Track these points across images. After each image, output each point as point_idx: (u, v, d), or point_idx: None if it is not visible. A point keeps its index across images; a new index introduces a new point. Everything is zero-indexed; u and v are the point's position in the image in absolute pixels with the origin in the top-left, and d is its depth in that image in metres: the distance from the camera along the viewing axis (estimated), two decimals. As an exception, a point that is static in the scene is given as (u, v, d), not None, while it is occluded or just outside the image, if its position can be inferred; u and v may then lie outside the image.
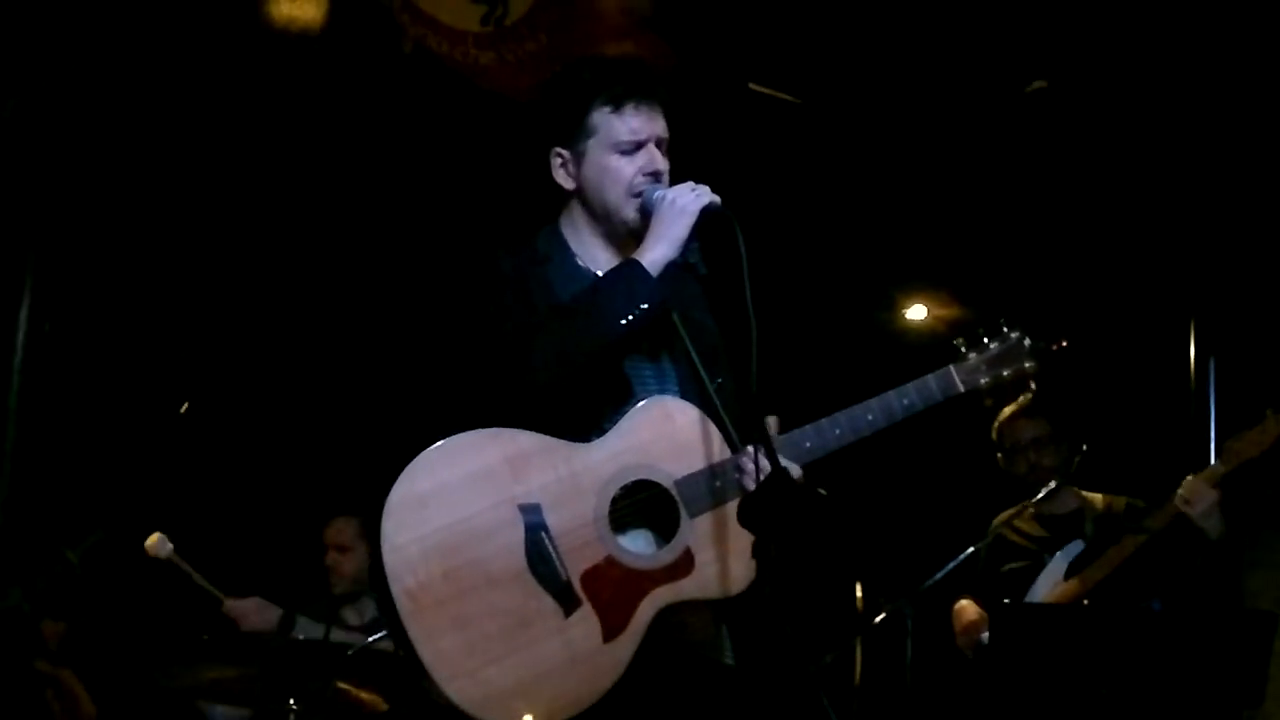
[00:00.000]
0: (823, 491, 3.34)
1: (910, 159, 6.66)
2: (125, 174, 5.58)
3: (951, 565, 5.03)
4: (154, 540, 4.94)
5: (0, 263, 5.14)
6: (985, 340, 3.38)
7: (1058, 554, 5.13)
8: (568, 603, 3.02)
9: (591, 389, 3.14)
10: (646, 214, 3.21)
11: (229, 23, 5.52)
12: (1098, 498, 5.33)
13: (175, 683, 4.89)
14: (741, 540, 3.09)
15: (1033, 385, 3.41)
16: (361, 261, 6.01)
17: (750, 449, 3.09)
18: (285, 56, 5.63)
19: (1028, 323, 3.43)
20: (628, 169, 3.23)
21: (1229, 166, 6.11)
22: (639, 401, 3.17)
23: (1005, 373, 3.36)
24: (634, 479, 3.12)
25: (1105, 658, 4.24)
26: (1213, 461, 5.03)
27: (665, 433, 3.15)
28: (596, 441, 3.13)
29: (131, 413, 5.73)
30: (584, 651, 3.01)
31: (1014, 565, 5.23)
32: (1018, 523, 5.31)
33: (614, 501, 3.10)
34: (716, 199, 3.17)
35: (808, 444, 3.20)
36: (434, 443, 3.08)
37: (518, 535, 3.04)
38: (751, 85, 6.40)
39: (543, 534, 3.05)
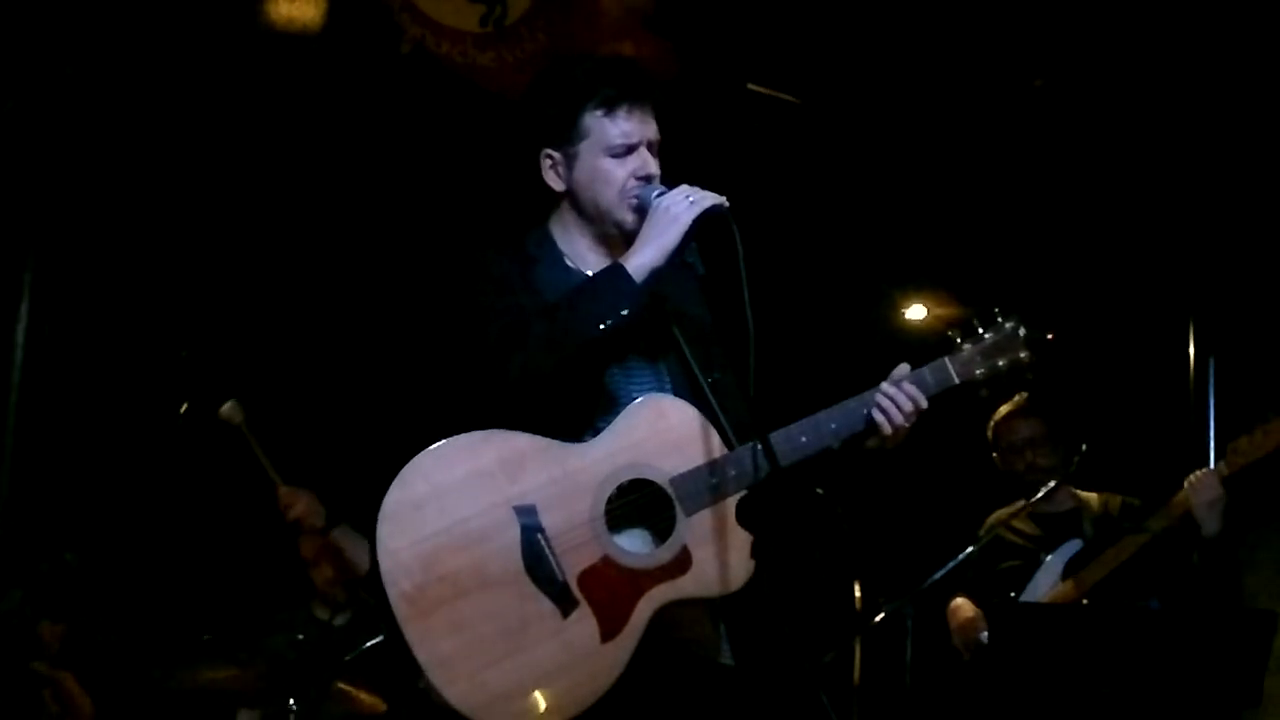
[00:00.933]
0: (821, 491, 3.32)
1: (909, 158, 6.66)
2: (125, 173, 5.58)
3: (951, 565, 5.03)
4: (229, 406, 4.91)
5: (0, 263, 5.15)
6: (980, 330, 3.37)
7: (1054, 553, 5.13)
8: (565, 603, 3.01)
9: (585, 389, 3.13)
10: (643, 215, 3.19)
11: (228, 23, 5.52)
12: (1093, 497, 5.33)
13: (175, 683, 4.89)
14: (739, 537, 3.10)
15: (1029, 376, 3.40)
16: (361, 262, 6.01)
17: (743, 448, 3.09)
18: (284, 57, 5.63)
19: (1022, 312, 3.42)
20: (619, 172, 3.21)
21: (1228, 165, 6.10)
22: (633, 400, 3.15)
23: (1001, 363, 3.34)
24: (629, 478, 3.10)
25: (1104, 657, 4.24)
26: (1212, 461, 5.04)
27: (660, 431, 3.13)
28: (591, 441, 3.11)
29: (130, 414, 5.73)
30: (582, 652, 3.00)
31: (1009, 564, 5.23)
32: (1014, 521, 5.31)
33: (610, 501, 3.08)
34: (715, 204, 3.13)
35: (803, 439, 3.17)
36: (427, 446, 3.07)
37: (514, 537, 3.03)
38: (751, 85, 6.40)
39: (539, 535, 3.03)
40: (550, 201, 3.33)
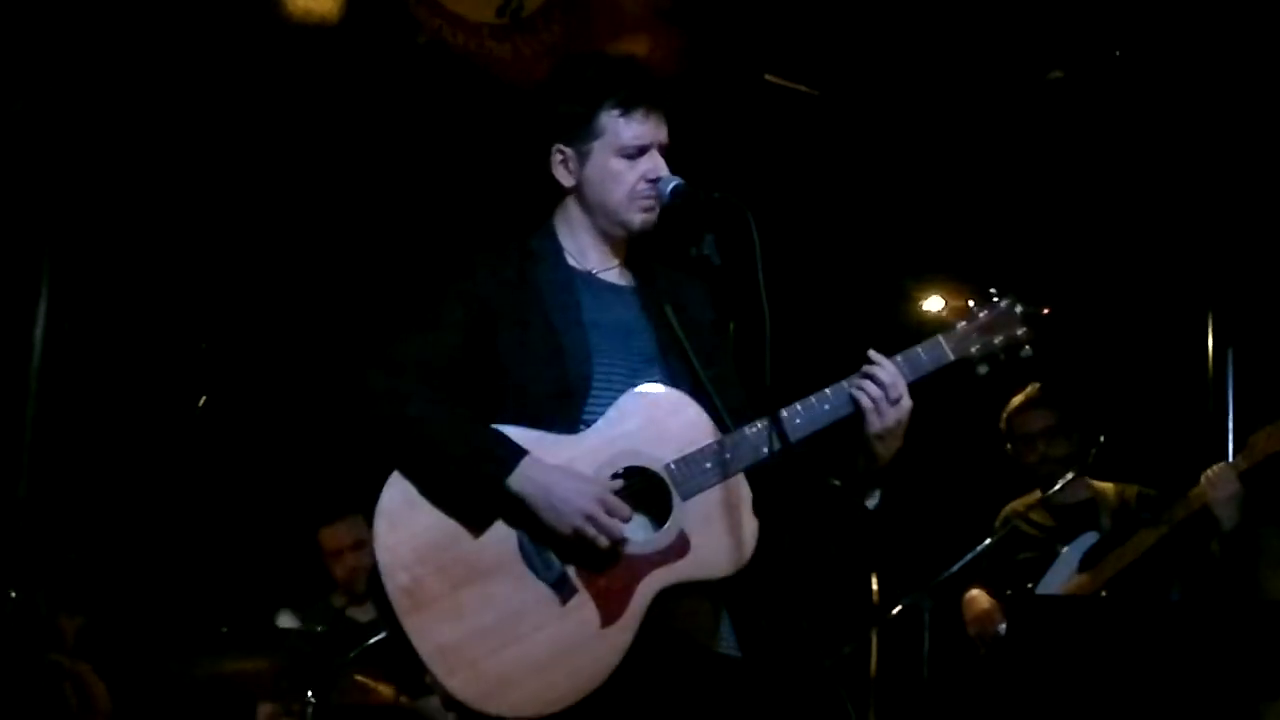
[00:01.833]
0: (837, 483, 3.31)
1: (927, 150, 6.64)
2: (142, 168, 5.59)
3: (969, 557, 5.02)
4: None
5: (17, 263, 5.16)
6: (974, 309, 3.38)
7: (1070, 545, 5.12)
8: (563, 591, 3.03)
9: (580, 383, 3.15)
10: (653, 214, 3.22)
11: (245, 16, 5.52)
12: (1109, 487, 5.31)
13: (193, 675, 4.91)
14: (734, 519, 3.12)
15: (1029, 351, 3.37)
16: (379, 253, 6.01)
17: (736, 432, 3.10)
18: (301, 49, 5.63)
19: (1019, 289, 3.41)
20: (630, 174, 3.22)
21: (1247, 157, 6.08)
22: (626, 390, 3.16)
23: (997, 340, 3.34)
24: (625, 465, 3.10)
25: (1123, 649, 4.23)
26: (1230, 453, 5.02)
27: (654, 419, 3.14)
28: (586, 432, 3.12)
29: (146, 411, 5.74)
30: (582, 638, 3.01)
31: (1025, 555, 5.22)
32: (1029, 513, 5.30)
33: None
34: (595, 539, 3.03)
35: (797, 420, 3.16)
36: None
37: (509, 526, 3.05)
38: (768, 77, 6.39)
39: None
40: (556, 196, 3.33)
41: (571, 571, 3.04)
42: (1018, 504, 5.34)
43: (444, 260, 3.34)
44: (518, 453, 3.02)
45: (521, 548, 3.04)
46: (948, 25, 6.23)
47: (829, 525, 3.31)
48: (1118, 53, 6.17)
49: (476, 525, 3.05)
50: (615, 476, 3.09)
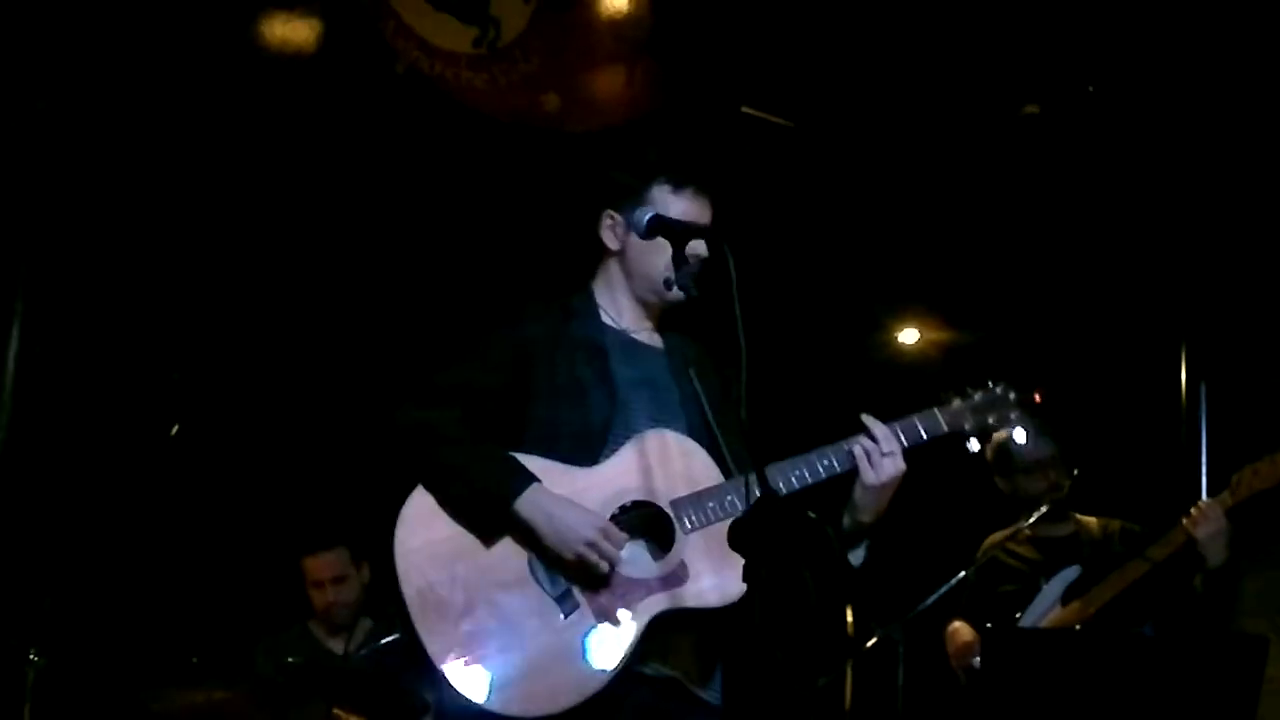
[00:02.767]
0: (813, 515, 3.45)
1: (902, 183, 6.66)
2: (118, 195, 5.57)
3: (944, 589, 5.02)
4: None
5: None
6: (969, 391, 3.58)
7: (1053, 579, 5.11)
8: (566, 606, 3.28)
9: (603, 428, 3.41)
10: (670, 288, 3.40)
11: (222, 45, 5.52)
12: (1093, 521, 5.32)
13: (165, 706, 4.86)
14: (732, 555, 3.27)
15: (1038, 399, 3.53)
16: (356, 282, 6.00)
17: (741, 477, 3.29)
18: (278, 78, 5.63)
19: (1011, 377, 3.60)
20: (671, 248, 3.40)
21: (1220, 191, 6.11)
22: (642, 433, 3.42)
23: (991, 420, 3.55)
24: (633, 499, 3.37)
25: (1097, 683, 4.23)
26: (1204, 487, 5.03)
27: (666, 459, 3.39)
28: (601, 465, 3.38)
29: (121, 435, 5.71)
30: (578, 650, 3.25)
31: (1007, 588, 5.21)
32: (1011, 545, 5.30)
33: (613, 518, 3.34)
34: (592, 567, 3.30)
35: (795, 473, 3.40)
36: None
37: (521, 544, 3.33)
38: (744, 109, 6.41)
39: None
40: (597, 258, 3.63)
41: (575, 589, 3.30)
42: (998, 536, 5.34)
43: (428, 290, 3.57)
44: (528, 479, 3.30)
45: (531, 564, 3.31)
46: (924, 59, 6.27)
47: (805, 557, 3.42)
48: (1091, 88, 6.21)
49: (490, 540, 3.32)
50: (623, 508, 3.35)
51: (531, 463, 3.34)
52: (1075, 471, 5.23)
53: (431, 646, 3.23)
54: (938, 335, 7.10)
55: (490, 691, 3.21)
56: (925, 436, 3.49)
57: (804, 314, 6.63)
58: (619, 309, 3.59)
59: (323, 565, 5.58)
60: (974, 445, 3.57)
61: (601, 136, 6.13)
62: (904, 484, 3.51)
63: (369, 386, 5.91)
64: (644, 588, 3.31)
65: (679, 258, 3.33)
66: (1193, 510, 4.80)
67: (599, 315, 3.57)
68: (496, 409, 3.42)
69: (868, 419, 3.44)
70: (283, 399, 5.94)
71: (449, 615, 3.25)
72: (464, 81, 6.00)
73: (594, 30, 6.25)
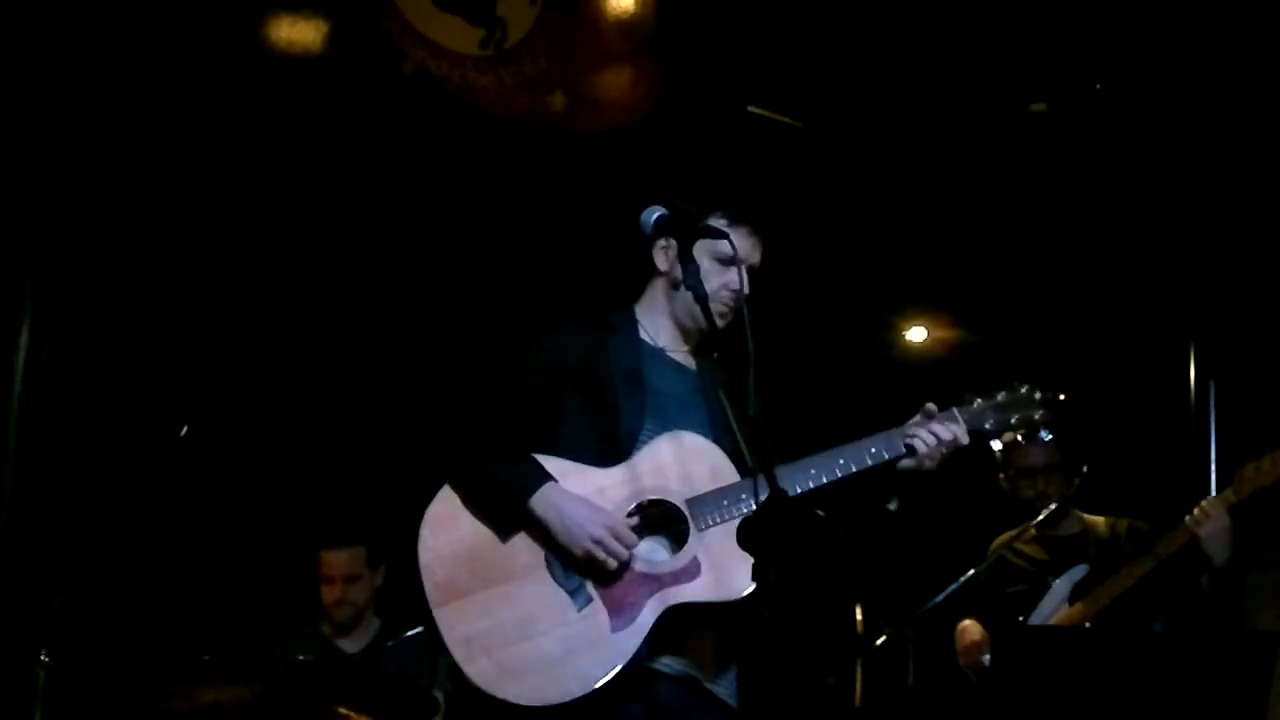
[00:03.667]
0: (822, 514, 3.49)
1: (910, 181, 6.66)
2: (125, 198, 5.58)
3: (952, 588, 5.03)
4: None
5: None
6: (993, 392, 3.64)
7: (1060, 578, 5.11)
8: (580, 599, 3.40)
9: (630, 438, 3.53)
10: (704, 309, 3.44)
11: (228, 46, 5.52)
12: (1100, 520, 5.31)
13: (176, 705, 4.87)
14: (745, 552, 3.42)
15: (1046, 433, 3.57)
16: (364, 284, 6.00)
17: (758, 475, 3.30)
18: (285, 80, 5.63)
19: (1036, 378, 3.64)
20: (716, 279, 3.56)
21: (1228, 190, 6.11)
22: (662, 435, 3.53)
23: (1014, 419, 3.60)
24: (650, 497, 3.48)
25: (1106, 680, 4.23)
26: (1213, 485, 5.02)
27: (684, 460, 3.50)
28: (618, 466, 3.50)
29: (130, 438, 5.72)
30: (591, 641, 3.36)
31: (1016, 588, 5.21)
32: (1019, 545, 5.29)
33: (629, 515, 3.47)
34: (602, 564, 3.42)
35: (812, 471, 3.48)
36: None
37: (537, 540, 3.45)
38: (751, 108, 6.41)
39: None
40: (644, 278, 3.76)
41: (589, 584, 3.42)
42: (1007, 536, 5.33)
43: (439, 289, 3.62)
44: (543, 478, 3.44)
45: (547, 559, 3.43)
46: (931, 57, 6.27)
47: (815, 555, 3.47)
48: (1099, 85, 6.21)
49: (508, 536, 3.45)
50: (639, 506, 3.47)
51: (552, 464, 3.47)
52: (1085, 469, 5.24)
53: (449, 636, 3.36)
54: (946, 333, 7.11)
55: (505, 682, 3.32)
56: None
57: (812, 313, 6.63)
58: (657, 328, 3.72)
59: (338, 561, 5.58)
60: (997, 445, 3.60)
61: (609, 136, 6.15)
62: (913, 483, 3.55)
63: (372, 386, 5.94)
64: (656, 583, 3.41)
65: (685, 256, 3.42)
66: (1196, 509, 4.79)
67: (638, 332, 3.71)
68: (529, 414, 3.56)
69: (944, 416, 3.55)
70: (293, 402, 5.95)
71: (466, 607, 3.38)
72: (471, 82, 6.00)
73: (600, 30, 6.26)
